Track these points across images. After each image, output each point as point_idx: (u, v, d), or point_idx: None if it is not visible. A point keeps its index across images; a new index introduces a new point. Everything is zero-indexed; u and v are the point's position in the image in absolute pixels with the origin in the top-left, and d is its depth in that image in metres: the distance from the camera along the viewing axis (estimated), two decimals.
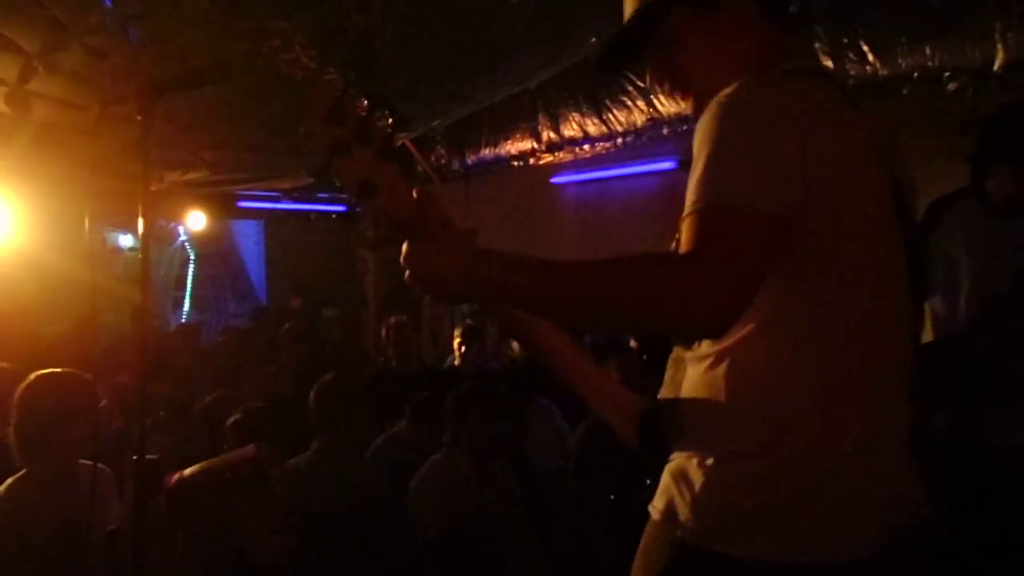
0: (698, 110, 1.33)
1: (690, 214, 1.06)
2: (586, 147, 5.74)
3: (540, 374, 1.68)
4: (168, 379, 4.40)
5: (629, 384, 1.47)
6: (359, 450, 3.44)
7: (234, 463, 2.54)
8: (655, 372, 1.34)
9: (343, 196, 6.96)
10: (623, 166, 5.87)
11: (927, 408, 2.73)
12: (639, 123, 5.23)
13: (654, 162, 5.53)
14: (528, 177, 6.34)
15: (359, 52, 3.88)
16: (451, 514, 3.13)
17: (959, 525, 2.61)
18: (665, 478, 1.25)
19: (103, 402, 2.68)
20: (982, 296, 2.67)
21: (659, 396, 1.32)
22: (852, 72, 3.99)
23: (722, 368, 1.17)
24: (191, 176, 5.75)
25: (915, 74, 3.89)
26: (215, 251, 8.68)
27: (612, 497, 2.99)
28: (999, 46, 3.58)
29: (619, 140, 5.47)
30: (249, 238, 8.96)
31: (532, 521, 3.39)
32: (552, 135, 5.79)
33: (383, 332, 5.38)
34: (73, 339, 4.85)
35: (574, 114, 5.56)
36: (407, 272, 1.14)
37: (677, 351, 1.28)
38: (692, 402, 1.22)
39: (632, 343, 3.67)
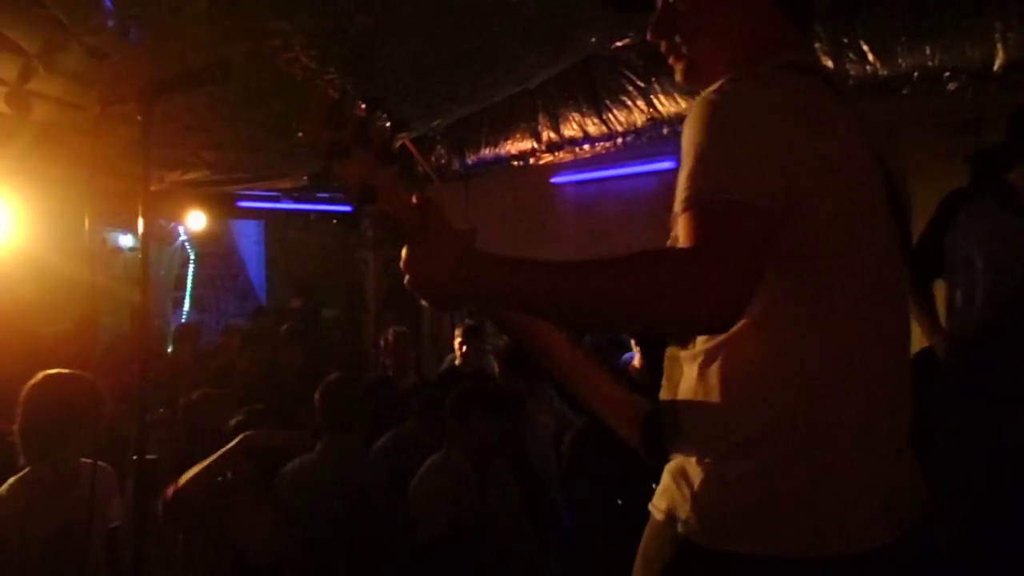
0: (686, 79, 1.34)
1: (686, 210, 1.06)
2: (586, 147, 5.74)
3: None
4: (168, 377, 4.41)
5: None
6: (364, 449, 3.45)
7: (233, 461, 2.54)
8: (654, 372, 1.34)
9: (343, 196, 6.94)
10: (623, 166, 5.88)
11: (940, 408, 2.74)
12: (639, 123, 5.24)
13: (654, 162, 5.53)
14: (528, 177, 6.34)
15: (359, 52, 3.87)
16: (451, 514, 3.14)
17: (970, 524, 2.61)
18: (665, 478, 1.25)
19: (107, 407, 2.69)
20: (999, 295, 2.67)
21: (659, 396, 1.32)
22: (852, 72, 3.99)
23: (717, 365, 1.17)
24: (191, 176, 5.74)
25: (915, 74, 3.89)
26: (215, 251, 8.67)
27: (607, 497, 2.98)
28: (999, 46, 3.58)
29: (619, 140, 5.48)
30: (249, 238, 8.97)
31: (532, 521, 3.39)
32: (552, 135, 5.80)
33: (382, 342, 5.35)
34: (73, 339, 4.85)
35: (574, 114, 5.56)
36: (406, 277, 1.13)
37: (672, 350, 1.28)
38: (689, 400, 1.22)
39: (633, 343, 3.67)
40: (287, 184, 6.50)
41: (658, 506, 1.23)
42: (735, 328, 1.13)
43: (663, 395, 1.29)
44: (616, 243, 5.62)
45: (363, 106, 1.18)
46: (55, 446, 2.48)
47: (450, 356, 5.49)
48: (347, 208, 1.20)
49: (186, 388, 3.84)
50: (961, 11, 3.64)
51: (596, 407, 1.47)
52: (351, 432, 3.23)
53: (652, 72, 4.92)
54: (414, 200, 1.19)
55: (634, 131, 5.32)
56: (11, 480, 2.50)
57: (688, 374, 1.23)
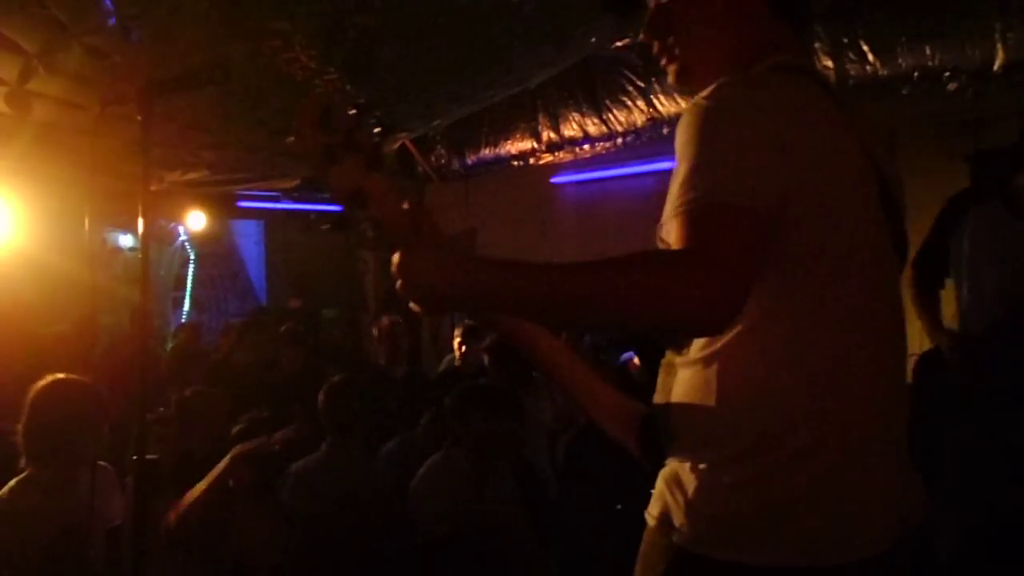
0: (679, 81, 1.34)
1: (680, 213, 1.05)
2: (586, 147, 5.75)
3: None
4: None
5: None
6: (367, 450, 3.46)
7: (237, 471, 2.55)
8: (652, 376, 1.33)
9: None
10: (623, 166, 5.87)
11: (947, 410, 2.74)
12: (639, 123, 5.24)
13: (654, 162, 5.53)
14: (528, 177, 6.34)
15: (359, 52, 3.87)
16: (451, 514, 3.13)
17: (981, 528, 2.61)
18: (659, 484, 1.24)
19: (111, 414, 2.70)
20: (1007, 298, 2.67)
21: (653, 402, 1.31)
22: (852, 72, 3.99)
23: (712, 371, 1.17)
24: (191, 176, 5.74)
25: (915, 74, 3.89)
26: (215, 251, 8.67)
27: (605, 501, 2.98)
28: (999, 46, 3.58)
29: (619, 140, 5.48)
30: (249, 238, 8.96)
31: (532, 521, 3.39)
32: (552, 135, 5.80)
33: (375, 331, 5.34)
34: (73, 339, 4.85)
35: (574, 114, 5.56)
36: (398, 282, 1.12)
37: (668, 356, 1.27)
38: (683, 406, 1.21)
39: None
40: (287, 184, 6.50)
41: (652, 513, 1.23)
42: (730, 333, 1.13)
43: (658, 400, 1.28)
44: (616, 243, 5.61)
45: (353, 112, 1.18)
46: (60, 451, 2.49)
47: (449, 356, 5.48)
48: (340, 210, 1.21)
49: (184, 387, 3.84)
50: (961, 11, 3.64)
51: (592, 412, 1.46)
52: (355, 434, 3.24)
53: (652, 72, 4.92)
54: (405, 205, 1.19)
55: (634, 131, 5.33)
56: (12, 482, 2.50)
57: (682, 379, 1.22)
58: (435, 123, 5.94)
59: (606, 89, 5.26)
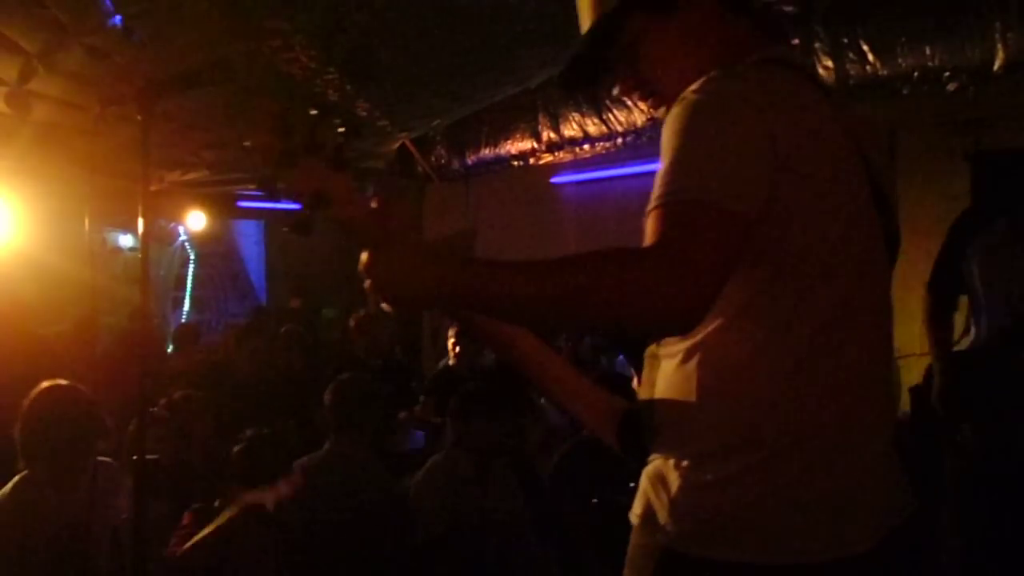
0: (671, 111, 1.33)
1: (654, 208, 1.05)
2: (586, 147, 5.74)
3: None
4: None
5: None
6: (372, 448, 3.46)
7: (244, 515, 2.56)
8: (637, 371, 1.32)
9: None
10: (623, 166, 5.86)
11: (956, 417, 2.74)
12: (639, 123, 5.23)
13: (654, 162, 5.45)
14: (528, 177, 6.33)
15: (359, 52, 3.87)
16: (451, 514, 3.14)
17: (987, 532, 2.61)
18: (643, 482, 1.22)
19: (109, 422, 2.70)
20: (1017, 320, 2.67)
21: (637, 395, 1.30)
22: (852, 72, 3.99)
23: (693, 364, 1.16)
24: (191, 176, 5.74)
25: (915, 74, 3.89)
26: (215, 251, 8.67)
27: (595, 502, 2.97)
28: (999, 46, 3.58)
29: (619, 140, 5.47)
30: (249, 238, 8.96)
31: (533, 521, 3.39)
32: (552, 135, 5.79)
33: (352, 322, 5.31)
34: (73, 339, 4.85)
35: (574, 114, 5.56)
36: (367, 282, 1.12)
37: (651, 347, 1.26)
38: (665, 401, 1.20)
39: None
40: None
41: (636, 512, 1.22)
42: (712, 326, 1.12)
43: (642, 394, 1.27)
44: (616, 243, 5.60)
45: (314, 112, 1.17)
46: (55, 454, 2.49)
47: (446, 357, 5.48)
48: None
49: (183, 387, 3.84)
50: (961, 11, 3.64)
51: (571, 407, 1.45)
52: (360, 432, 3.23)
53: None
54: (374, 204, 1.18)
55: (634, 131, 5.32)
56: (14, 479, 2.50)
57: (664, 373, 1.21)
58: (435, 123, 5.94)
59: (606, 89, 5.26)
